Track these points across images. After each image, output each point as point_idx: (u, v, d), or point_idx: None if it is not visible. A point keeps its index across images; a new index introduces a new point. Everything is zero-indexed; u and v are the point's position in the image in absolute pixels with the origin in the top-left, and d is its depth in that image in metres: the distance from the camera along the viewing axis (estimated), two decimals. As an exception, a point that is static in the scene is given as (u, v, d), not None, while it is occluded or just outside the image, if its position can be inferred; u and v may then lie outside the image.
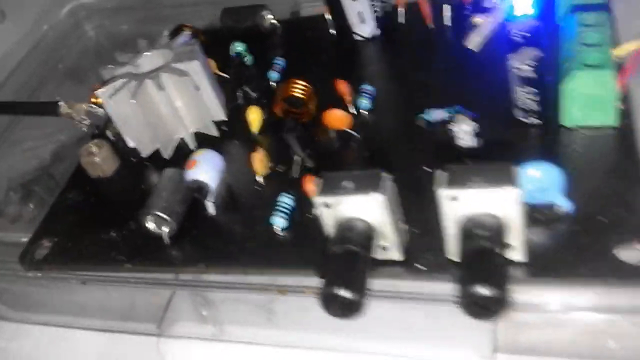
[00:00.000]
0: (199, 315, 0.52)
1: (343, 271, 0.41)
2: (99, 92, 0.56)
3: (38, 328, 0.55)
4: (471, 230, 0.41)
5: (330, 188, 0.43)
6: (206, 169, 0.53)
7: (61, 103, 0.61)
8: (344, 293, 0.39)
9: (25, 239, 0.59)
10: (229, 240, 0.51)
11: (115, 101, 0.55)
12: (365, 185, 0.42)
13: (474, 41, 0.53)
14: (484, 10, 0.63)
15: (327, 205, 0.43)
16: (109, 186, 0.60)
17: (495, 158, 0.49)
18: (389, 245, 0.45)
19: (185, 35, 0.60)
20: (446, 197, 0.41)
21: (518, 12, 0.60)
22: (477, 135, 0.50)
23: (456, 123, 0.49)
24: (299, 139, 0.54)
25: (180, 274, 0.52)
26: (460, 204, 0.41)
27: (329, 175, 0.44)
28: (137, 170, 0.61)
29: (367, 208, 0.43)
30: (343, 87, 0.58)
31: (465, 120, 0.49)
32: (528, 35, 0.50)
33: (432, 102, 0.56)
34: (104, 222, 0.57)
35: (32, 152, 0.74)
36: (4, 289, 0.59)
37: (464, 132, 0.49)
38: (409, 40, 0.65)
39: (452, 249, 0.43)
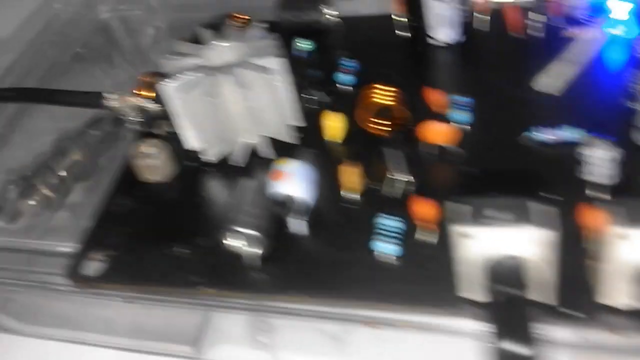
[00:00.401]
0: (252, 340, 0.46)
1: (515, 322, 0.35)
2: (168, 88, 0.48)
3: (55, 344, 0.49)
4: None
5: (468, 216, 0.38)
6: (292, 181, 0.46)
7: (106, 94, 0.53)
8: (522, 350, 0.34)
9: (61, 248, 0.51)
10: (326, 266, 0.45)
11: (190, 98, 0.47)
12: (519, 216, 0.37)
13: (543, 83, 0.48)
14: (578, 23, 0.59)
15: (466, 236, 0.38)
16: (168, 194, 0.53)
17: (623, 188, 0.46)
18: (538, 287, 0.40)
19: (257, 27, 0.53)
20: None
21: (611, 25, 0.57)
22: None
23: (589, 147, 0.44)
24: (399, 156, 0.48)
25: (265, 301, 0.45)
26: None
27: (465, 201, 0.39)
28: (197, 176, 0.54)
29: (522, 243, 0.38)
30: (435, 96, 0.52)
31: (602, 146, 0.44)
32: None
33: (536, 120, 0.51)
34: (166, 235, 0.50)
35: (36, 141, 0.65)
36: (25, 301, 0.52)
37: (601, 159, 0.44)
38: (496, 49, 0.60)
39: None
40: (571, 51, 0.48)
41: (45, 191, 0.55)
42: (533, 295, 0.39)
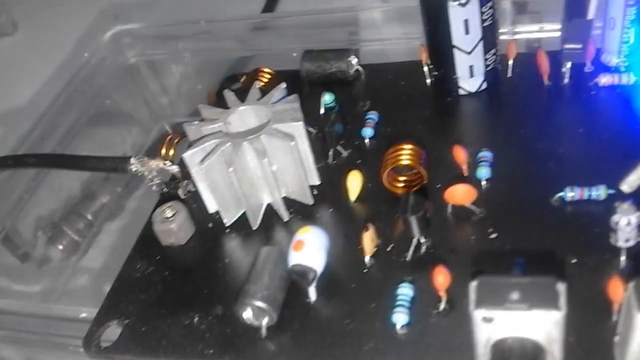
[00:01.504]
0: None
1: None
2: (187, 155, 0.48)
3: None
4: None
5: (490, 298, 0.36)
6: (314, 252, 0.45)
7: (133, 160, 0.53)
8: None
9: (83, 314, 0.52)
10: (339, 337, 0.44)
11: (207, 167, 0.47)
12: (539, 298, 0.35)
13: (630, 182, 0.45)
14: (608, 70, 0.56)
15: (487, 320, 0.36)
16: (184, 257, 0.53)
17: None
18: (551, 365, 0.37)
19: (281, 89, 0.52)
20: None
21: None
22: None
23: (620, 213, 0.41)
24: (419, 218, 0.46)
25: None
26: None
27: (488, 281, 0.36)
28: (216, 239, 0.53)
29: (539, 325, 0.35)
30: (462, 154, 0.50)
31: (632, 210, 0.41)
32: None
33: (561, 176, 0.49)
34: (183, 302, 0.49)
35: (63, 187, 0.67)
36: None
37: (629, 225, 0.41)
38: (521, 97, 0.58)
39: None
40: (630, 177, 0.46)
41: (73, 235, 0.56)
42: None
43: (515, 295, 0.35)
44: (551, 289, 0.35)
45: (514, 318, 0.35)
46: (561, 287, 0.35)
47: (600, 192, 0.47)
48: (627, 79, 0.55)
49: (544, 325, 0.35)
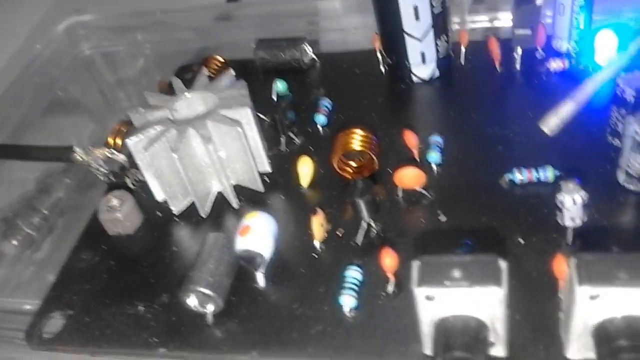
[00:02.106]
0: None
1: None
2: (131, 142, 0.47)
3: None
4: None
5: (432, 276, 0.35)
6: (261, 237, 0.44)
7: (76, 148, 0.52)
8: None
9: (27, 306, 0.50)
10: (288, 322, 0.43)
11: (151, 154, 0.46)
12: (480, 276, 0.35)
13: (550, 123, 0.44)
14: (559, 55, 0.57)
15: (429, 298, 0.35)
16: (132, 247, 0.51)
17: (600, 236, 0.43)
18: (495, 341, 0.37)
19: (229, 75, 0.51)
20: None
21: (599, 60, 0.54)
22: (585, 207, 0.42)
23: (565, 192, 0.41)
24: (367, 202, 0.45)
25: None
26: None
27: (430, 260, 0.36)
28: (164, 228, 0.52)
29: (481, 303, 0.35)
30: (412, 139, 0.50)
31: (576, 189, 0.41)
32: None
33: (511, 159, 0.49)
34: (129, 292, 0.48)
35: (17, 182, 0.65)
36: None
37: (575, 204, 0.41)
38: (474, 84, 0.58)
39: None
40: (577, 90, 0.44)
41: (28, 230, 0.54)
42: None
43: (457, 273, 0.35)
44: (493, 267, 0.35)
45: (455, 296, 0.35)
46: (503, 265, 0.35)
47: (547, 174, 0.47)
48: (577, 63, 0.56)
49: (486, 302, 0.35)
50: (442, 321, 0.36)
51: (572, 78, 0.55)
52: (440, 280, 0.35)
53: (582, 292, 0.33)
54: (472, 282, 0.34)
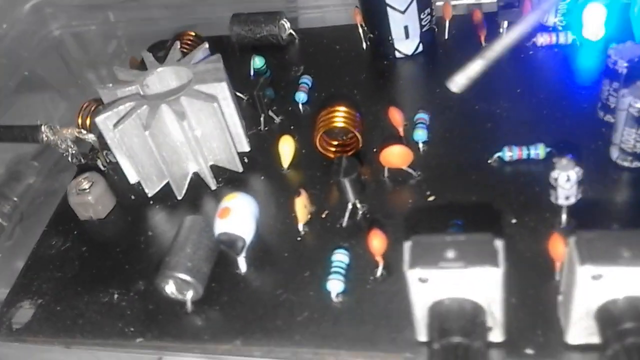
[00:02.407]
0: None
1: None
2: (99, 119, 0.44)
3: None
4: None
5: (425, 257, 0.33)
6: (241, 219, 0.42)
7: (43, 127, 0.49)
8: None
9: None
10: (271, 308, 0.41)
11: (121, 131, 0.43)
12: (476, 256, 0.33)
13: (458, 81, 0.41)
14: (546, 29, 0.55)
15: (422, 281, 0.33)
16: (104, 231, 0.49)
17: (595, 214, 0.42)
18: (492, 325, 0.36)
19: (203, 49, 0.48)
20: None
21: (587, 34, 0.53)
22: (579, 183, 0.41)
23: (559, 169, 0.40)
24: (353, 181, 0.43)
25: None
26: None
27: (422, 240, 0.34)
28: (138, 212, 0.49)
29: (477, 285, 0.33)
30: (398, 116, 0.48)
31: (570, 166, 0.40)
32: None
33: (500, 136, 0.48)
34: (102, 279, 0.45)
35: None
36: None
37: (569, 181, 0.40)
38: (459, 59, 0.55)
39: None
40: (487, 48, 0.41)
41: None
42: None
43: (450, 254, 0.33)
44: (488, 246, 0.33)
45: (450, 277, 0.33)
46: (499, 244, 0.33)
47: (539, 151, 0.45)
48: (565, 38, 0.54)
49: (482, 284, 0.33)
50: (436, 305, 0.34)
51: (559, 52, 0.54)
52: (434, 262, 0.33)
53: (584, 272, 0.31)
54: (467, 263, 0.32)
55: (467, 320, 0.33)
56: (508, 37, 0.42)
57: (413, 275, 0.33)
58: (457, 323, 0.33)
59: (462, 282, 0.33)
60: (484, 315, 0.34)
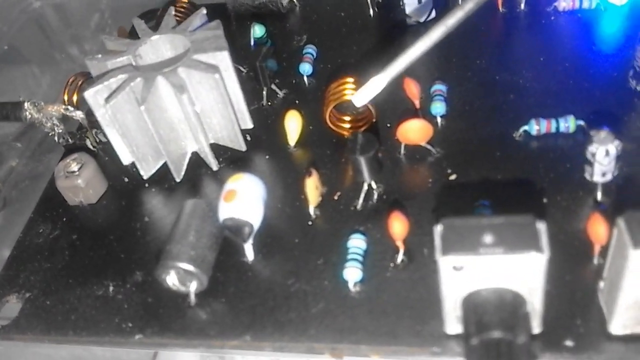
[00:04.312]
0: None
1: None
2: (89, 93, 0.40)
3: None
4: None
5: (460, 242, 0.30)
6: (249, 203, 0.38)
7: (26, 104, 0.44)
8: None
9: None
10: (283, 300, 0.37)
11: (113, 107, 0.39)
12: (517, 240, 0.29)
13: (359, 97, 0.38)
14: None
15: (457, 269, 0.30)
16: (96, 218, 0.45)
17: (631, 192, 0.38)
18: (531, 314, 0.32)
19: (201, 15, 0.44)
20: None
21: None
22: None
23: (597, 143, 0.36)
24: (370, 160, 0.39)
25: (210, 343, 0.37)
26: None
27: (455, 224, 0.31)
28: (132, 195, 0.46)
29: (518, 272, 0.30)
30: (414, 88, 0.44)
31: (609, 139, 0.36)
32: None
33: (524, 108, 0.44)
34: (95, 270, 0.41)
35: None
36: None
37: (608, 156, 0.36)
38: (475, 26, 0.52)
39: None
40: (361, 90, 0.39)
41: None
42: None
43: (488, 238, 0.30)
44: (530, 229, 0.30)
45: (488, 264, 0.30)
46: (541, 227, 0.30)
47: (569, 124, 0.42)
48: (588, 3, 0.50)
49: (524, 271, 0.30)
50: (472, 295, 0.31)
51: (582, 18, 0.50)
52: (470, 247, 0.29)
53: (639, 257, 0.28)
54: (508, 248, 0.29)
55: (509, 312, 0.30)
56: (411, 52, 0.39)
57: (446, 263, 0.30)
58: (498, 316, 0.30)
59: (501, 269, 0.30)
60: (525, 307, 0.30)
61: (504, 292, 0.30)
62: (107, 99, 0.39)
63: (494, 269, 0.30)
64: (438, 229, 0.30)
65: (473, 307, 0.30)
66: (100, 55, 0.42)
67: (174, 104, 0.41)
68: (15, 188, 0.54)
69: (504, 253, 0.29)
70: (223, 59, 0.41)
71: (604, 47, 0.48)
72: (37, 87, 0.70)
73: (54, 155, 0.53)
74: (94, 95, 0.40)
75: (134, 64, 0.41)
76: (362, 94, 0.38)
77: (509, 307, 0.30)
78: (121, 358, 0.42)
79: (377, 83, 0.37)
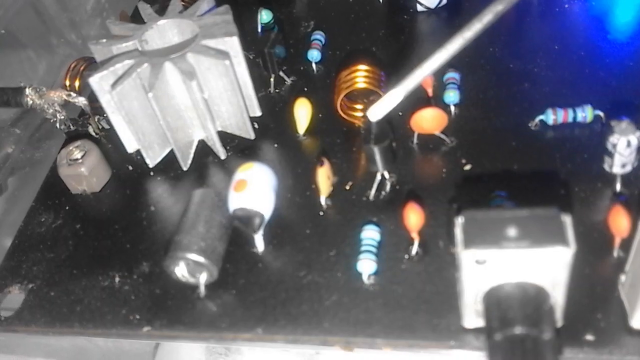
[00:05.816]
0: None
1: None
2: (94, 79, 0.39)
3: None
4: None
5: (482, 236, 0.29)
6: (259, 193, 0.37)
7: (28, 90, 0.43)
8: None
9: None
10: (295, 292, 0.36)
11: (119, 93, 0.38)
12: (542, 234, 0.29)
13: (374, 112, 0.37)
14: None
15: (479, 262, 0.29)
16: (100, 206, 0.44)
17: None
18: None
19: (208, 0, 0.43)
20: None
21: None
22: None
23: (619, 133, 0.35)
24: (384, 149, 0.38)
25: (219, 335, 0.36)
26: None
27: (477, 216, 0.30)
28: (138, 184, 0.44)
29: (542, 266, 0.29)
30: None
31: (630, 130, 0.35)
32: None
33: (539, 97, 0.43)
34: (100, 260, 0.40)
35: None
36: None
37: (629, 147, 0.35)
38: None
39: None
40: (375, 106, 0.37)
41: None
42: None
43: (512, 232, 0.29)
44: (555, 222, 0.29)
45: (512, 258, 0.29)
46: (567, 219, 0.29)
47: (586, 113, 0.41)
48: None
49: (549, 265, 0.29)
50: (494, 290, 0.30)
51: (596, 5, 0.49)
52: (494, 241, 0.29)
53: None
54: (533, 242, 0.28)
55: (533, 307, 0.29)
56: (426, 67, 0.37)
57: (469, 257, 0.29)
58: (522, 311, 0.29)
59: (525, 263, 0.29)
60: (548, 302, 0.30)
61: (527, 286, 0.29)
62: (113, 85, 0.38)
63: (517, 263, 0.29)
64: (459, 221, 0.30)
65: (496, 301, 0.30)
66: (104, 40, 0.40)
67: (181, 91, 0.39)
68: (13, 175, 0.53)
69: (529, 247, 0.28)
70: (233, 45, 0.39)
71: (619, 36, 0.47)
72: (34, 72, 0.68)
73: (52, 142, 0.52)
74: (99, 82, 0.38)
75: (140, 49, 0.40)
76: (377, 108, 0.37)
77: (533, 302, 0.29)
78: (123, 348, 0.41)
79: (393, 97, 0.36)
